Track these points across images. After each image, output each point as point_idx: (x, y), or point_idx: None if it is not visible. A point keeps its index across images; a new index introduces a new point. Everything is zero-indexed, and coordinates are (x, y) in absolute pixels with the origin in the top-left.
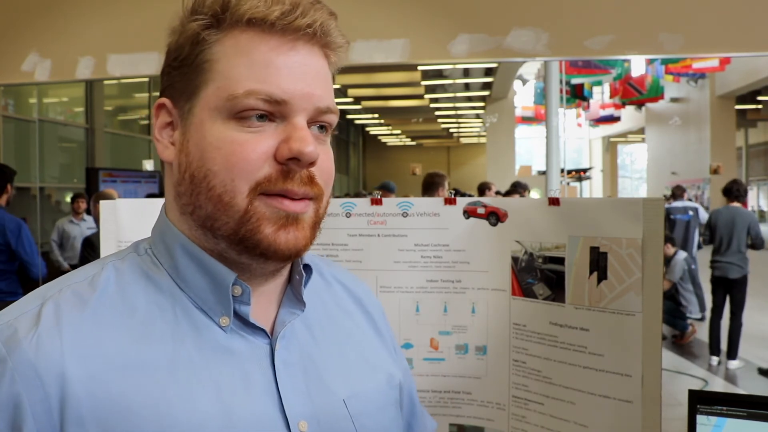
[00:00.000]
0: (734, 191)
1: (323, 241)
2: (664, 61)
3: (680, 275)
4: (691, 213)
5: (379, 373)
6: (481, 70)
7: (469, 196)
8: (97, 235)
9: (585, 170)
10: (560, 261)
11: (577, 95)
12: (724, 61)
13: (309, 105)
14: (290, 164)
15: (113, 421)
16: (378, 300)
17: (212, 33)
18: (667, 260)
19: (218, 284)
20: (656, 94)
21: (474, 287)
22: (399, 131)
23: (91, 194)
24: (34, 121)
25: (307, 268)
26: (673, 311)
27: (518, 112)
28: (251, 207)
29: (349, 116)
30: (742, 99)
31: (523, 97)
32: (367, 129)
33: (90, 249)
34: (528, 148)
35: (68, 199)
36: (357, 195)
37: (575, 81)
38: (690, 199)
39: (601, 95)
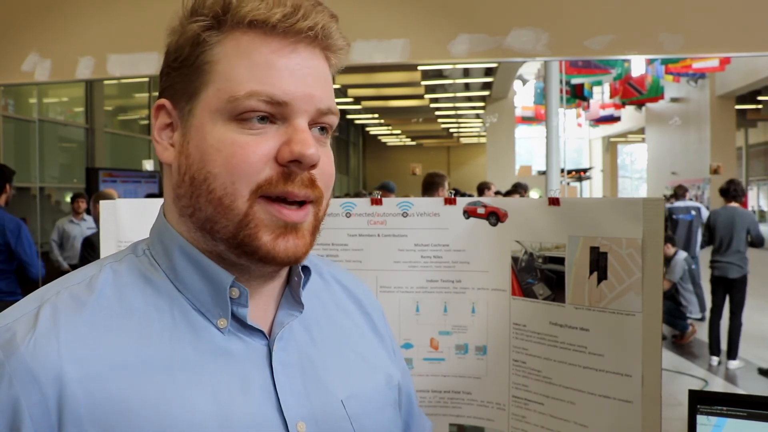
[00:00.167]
0: (731, 191)
1: (323, 241)
2: (664, 61)
3: (680, 275)
4: (693, 213)
5: (378, 374)
6: (481, 70)
7: (469, 196)
8: (97, 235)
9: (585, 170)
10: (560, 261)
11: (577, 95)
12: (724, 61)
13: (310, 106)
14: (291, 166)
15: (111, 423)
16: (378, 301)
17: (213, 34)
18: (667, 260)
19: (216, 286)
20: (656, 94)
21: (474, 287)
22: (399, 131)
23: (91, 194)
24: (34, 121)
25: (306, 269)
26: (673, 311)
27: (518, 112)
28: (251, 211)
29: (349, 116)
30: (742, 99)
31: (523, 97)
32: (367, 129)
33: (90, 249)
34: (528, 148)
35: (68, 199)
36: (357, 195)
37: (575, 81)
38: (691, 199)
39: (601, 95)
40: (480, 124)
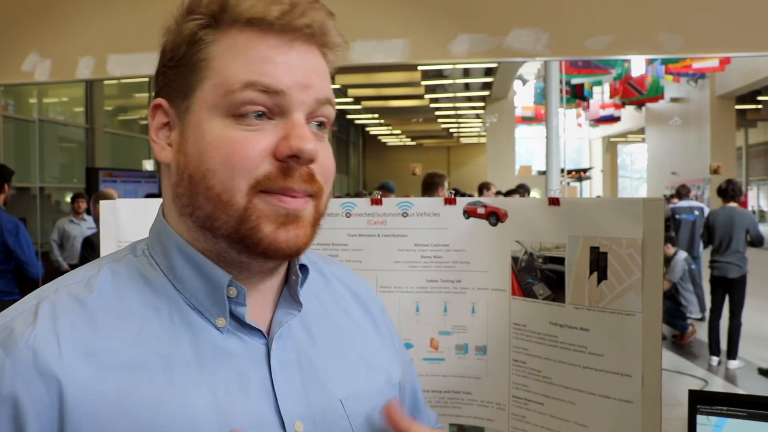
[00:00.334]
0: (729, 191)
1: (323, 241)
2: (664, 61)
3: (680, 275)
4: (696, 213)
5: (378, 373)
6: (481, 70)
7: (470, 196)
8: (97, 235)
9: (585, 170)
10: (560, 261)
11: (577, 95)
12: (724, 61)
13: (307, 97)
14: (290, 162)
15: (110, 421)
16: (378, 297)
17: (209, 33)
18: (667, 260)
19: (213, 285)
20: (656, 94)
21: (474, 287)
22: (399, 131)
23: (91, 194)
24: (34, 121)
25: (304, 268)
26: (673, 311)
27: (518, 112)
28: (251, 205)
29: (349, 116)
30: (742, 99)
31: (523, 97)
32: (367, 129)
33: (90, 249)
34: (528, 148)
35: (68, 199)
36: (357, 195)
37: (575, 81)
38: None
39: (601, 95)
40: (480, 124)
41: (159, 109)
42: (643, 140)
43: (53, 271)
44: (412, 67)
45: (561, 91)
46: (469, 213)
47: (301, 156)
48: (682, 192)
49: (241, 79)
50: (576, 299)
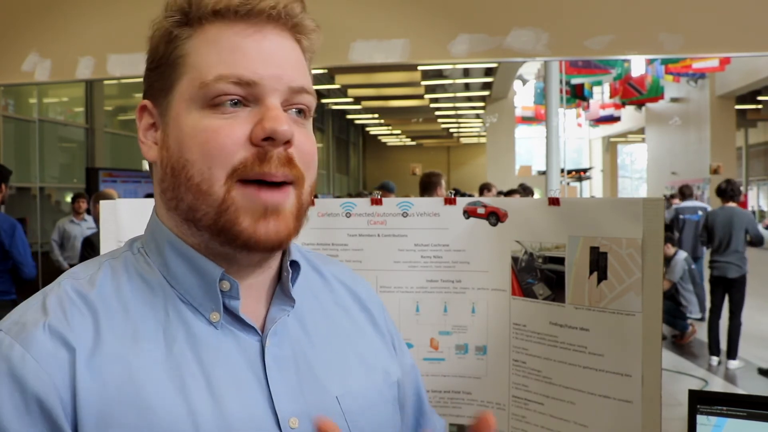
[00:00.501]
0: (728, 191)
1: (323, 241)
2: (664, 61)
3: (680, 275)
4: (700, 213)
5: (376, 371)
6: (481, 70)
7: (470, 196)
8: (97, 235)
9: (585, 170)
10: (560, 261)
11: (577, 95)
12: (724, 61)
13: (281, 85)
14: (265, 145)
15: (111, 414)
16: (378, 296)
17: (184, 30)
18: (667, 260)
19: (206, 280)
20: (656, 94)
21: (474, 287)
22: (399, 131)
23: (91, 194)
24: (34, 121)
25: (295, 264)
26: (673, 311)
27: (518, 112)
28: (228, 196)
29: (349, 116)
30: (742, 99)
31: (523, 97)
32: (367, 129)
33: (90, 249)
34: (528, 148)
35: (68, 199)
36: (358, 195)
37: (575, 81)
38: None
39: (601, 95)
40: (480, 124)
41: (145, 111)
42: (643, 140)
43: (52, 271)
44: (412, 67)
45: (561, 91)
46: (469, 213)
47: (276, 137)
48: (685, 192)
49: (214, 71)
50: (576, 299)
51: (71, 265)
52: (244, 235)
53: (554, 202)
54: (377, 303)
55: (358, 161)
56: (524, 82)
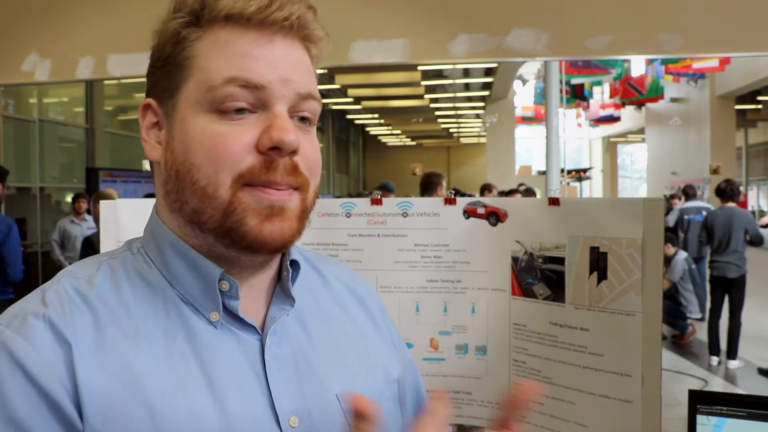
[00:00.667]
0: (728, 191)
1: (323, 241)
2: (664, 61)
3: (680, 275)
4: (705, 213)
5: (376, 369)
6: (481, 70)
7: (470, 196)
8: (97, 234)
9: (585, 170)
10: (560, 261)
11: (577, 95)
12: (724, 61)
13: (288, 91)
14: (272, 154)
15: (110, 414)
16: (378, 295)
17: (193, 31)
18: (667, 260)
19: (206, 280)
20: (656, 94)
21: (474, 287)
22: (399, 131)
23: (91, 194)
24: (34, 121)
25: (294, 264)
26: (673, 311)
27: (518, 112)
28: (235, 198)
29: (349, 116)
30: (742, 99)
31: (523, 97)
32: (367, 129)
33: (90, 249)
34: (528, 148)
35: (68, 199)
36: (358, 195)
37: (575, 81)
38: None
39: (601, 95)
40: (480, 124)
41: (149, 109)
42: (643, 140)
43: (53, 272)
44: (412, 67)
45: (561, 91)
46: (469, 213)
47: (282, 147)
48: (689, 193)
49: (223, 75)
50: (576, 299)
51: None
52: (250, 235)
53: (554, 202)
54: (376, 302)
55: (358, 161)
56: (524, 82)
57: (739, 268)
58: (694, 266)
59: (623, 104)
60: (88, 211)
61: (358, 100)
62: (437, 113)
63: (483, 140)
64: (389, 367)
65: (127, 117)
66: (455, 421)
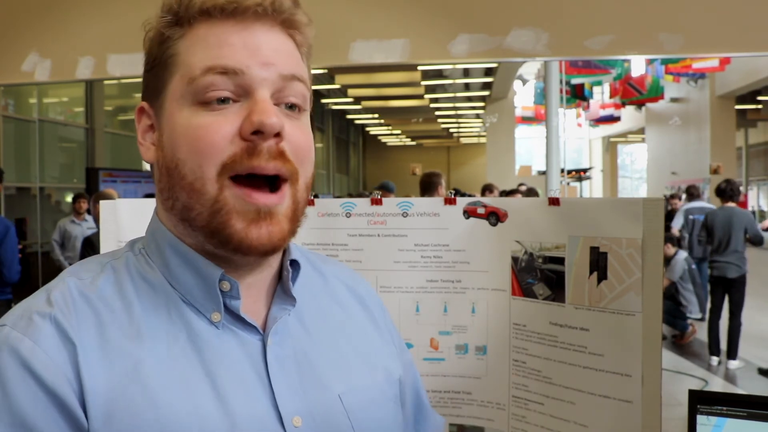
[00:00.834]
0: (728, 191)
1: (323, 241)
2: (664, 61)
3: (680, 274)
4: None
5: (377, 369)
6: (481, 70)
7: (470, 196)
8: (97, 235)
9: (585, 170)
10: (560, 261)
11: (577, 95)
12: (724, 61)
13: (270, 74)
14: (255, 139)
15: (114, 414)
16: (378, 296)
17: (176, 30)
18: (667, 260)
19: (206, 280)
20: (656, 94)
21: (474, 287)
22: (399, 131)
23: (91, 194)
24: (34, 121)
25: (295, 263)
26: (673, 311)
27: (518, 112)
28: (221, 197)
29: (349, 116)
30: (742, 99)
31: (523, 97)
32: (367, 129)
33: (90, 249)
34: (528, 148)
35: (68, 199)
36: (358, 195)
37: (575, 81)
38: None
39: (601, 95)
40: (480, 124)
41: (143, 113)
42: (643, 140)
43: (53, 271)
44: (412, 67)
45: (561, 91)
46: (469, 213)
47: (264, 130)
48: (693, 193)
49: (202, 65)
50: (576, 299)
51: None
52: (235, 238)
53: (554, 202)
54: (377, 302)
55: (358, 161)
56: (524, 82)
57: (739, 268)
58: (694, 266)
59: (623, 104)
60: (89, 211)
61: (358, 100)
62: (437, 113)
63: (483, 140)
64: (390, 367)
65: (127, 117)
66: (455, 421)
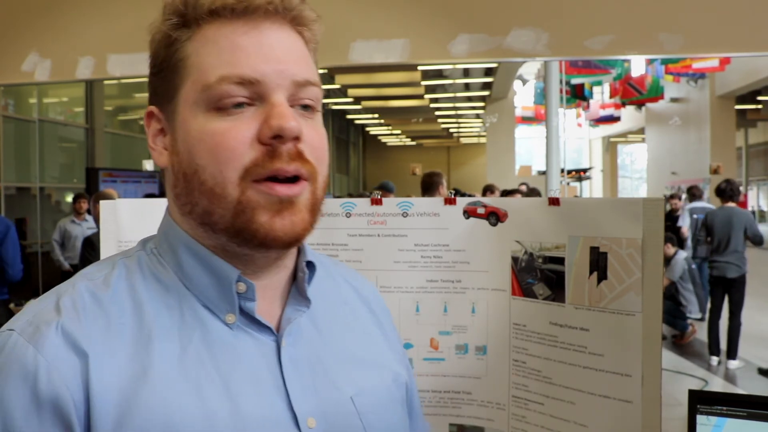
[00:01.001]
0: (728, 191)
1: (323, 241)
2: (664, 61)
3: (680, 274)
4: None
5: (386, 371)
6: (481, 70)
7: (470, 196)
8: (97, 235)
9: (585, 170)
10: (560, 261)
11: (577, 95)
12: (724, 61)
13: (284, 80)
14: (275, 143)
15: (125, 416)
16: (382, 299)
17: (183, 32)
18: (667, 260)
19: (222, 281)
20: (656, 94)
21: (474, 287)
22: (399, 131)
23: (91, 194)
24: (34, 121)
25: (311, 265)
26: (673, 311)
27: (518, 112)
28: (244, 197)
29: (349, 116)
30: (742, 99)
31: (523, 97)
32: (367, 129)
33: (90, 249)
34: (528, 148)
35: (68, 199)
36: (358, 195)
37: (575, 81)
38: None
39: (601, 95)
40: (480, 124)
41: (152, 117)
42: (643, 140)
43: (53, 271)
44: (412, 67)
45: (561, 91)
46: (469, 213)
47: (284, 134)
48: (695, 193)
49: (216, 72)
50: (576, 299)
51: (72, 265)
52: (261, 232)
53: (554, 202)
54: (383, 307)
55: (358, 161)
56: (524, 82)
57: (739, 268)
58: (693, 266)
59: (623, 104)
60: (89, 211)
61: (358, 100)
62: (437, 113)
63: (483, 140)
64: (398, 371)
65: (127, 117)
66: (455, 421)
